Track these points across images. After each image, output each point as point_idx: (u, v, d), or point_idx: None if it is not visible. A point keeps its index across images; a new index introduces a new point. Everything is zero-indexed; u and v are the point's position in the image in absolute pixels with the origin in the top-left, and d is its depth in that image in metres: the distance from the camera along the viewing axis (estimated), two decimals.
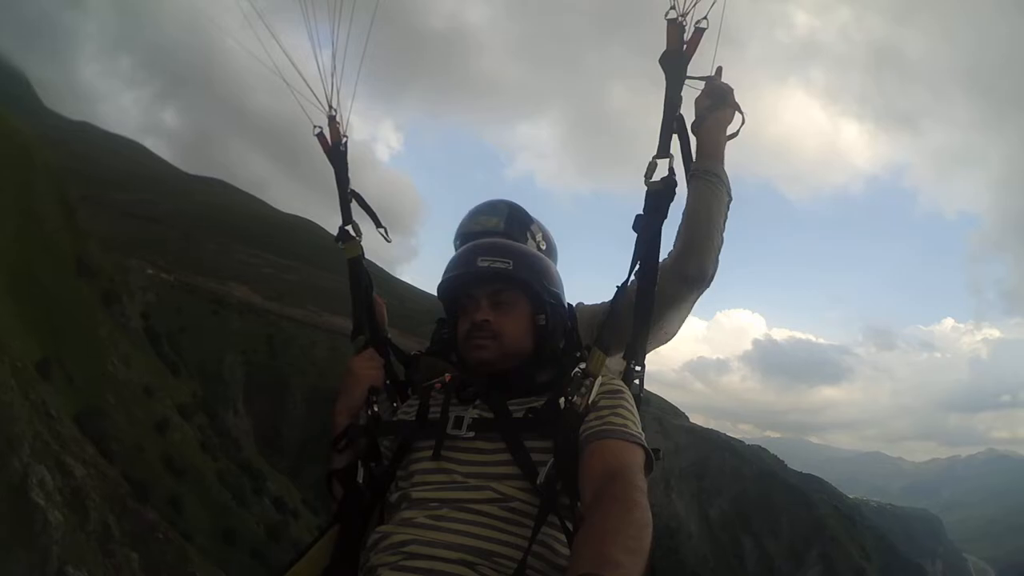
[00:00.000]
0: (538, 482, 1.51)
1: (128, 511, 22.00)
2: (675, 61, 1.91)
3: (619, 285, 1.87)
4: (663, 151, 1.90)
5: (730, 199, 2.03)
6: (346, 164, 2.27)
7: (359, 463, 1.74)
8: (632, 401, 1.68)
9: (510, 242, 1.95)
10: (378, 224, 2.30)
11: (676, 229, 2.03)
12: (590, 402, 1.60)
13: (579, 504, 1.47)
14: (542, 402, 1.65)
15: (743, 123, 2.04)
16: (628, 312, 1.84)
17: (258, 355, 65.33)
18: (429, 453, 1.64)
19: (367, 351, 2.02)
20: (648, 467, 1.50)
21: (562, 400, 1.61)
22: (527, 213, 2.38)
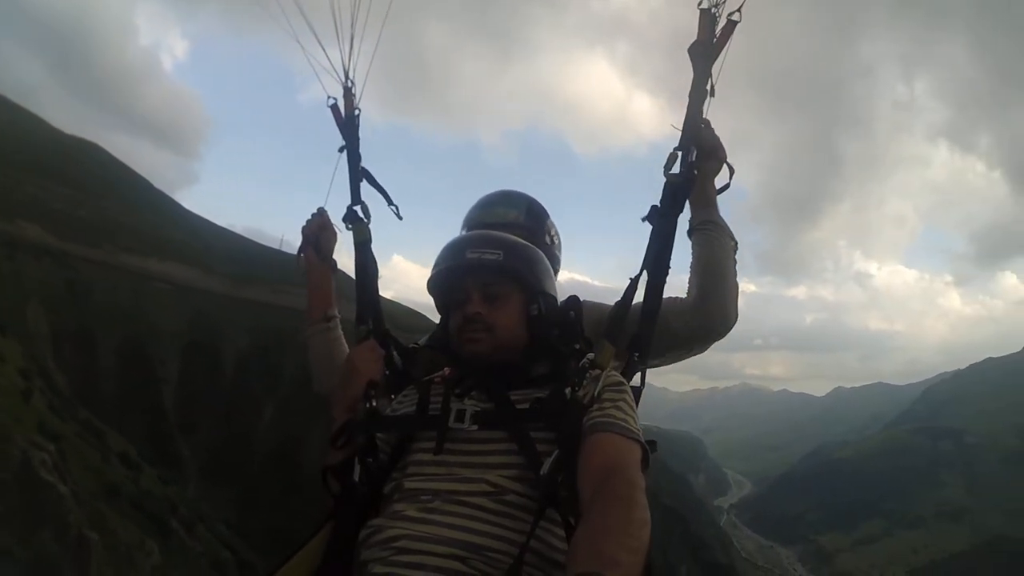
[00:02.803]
0: (541, 472, 1.46)
1: None
2: (704, 52, 1.87)
3: (632, 278, 1.85)
4: (685, 144, 1.90)
5: (735, 244, 2.00)
6: (358, 139, 2.23)
7: (356, 459, 1.67)
8: (632, 396, 1.65)
9: (500, 233, 1.90)
10: (389, 202, 2.24)
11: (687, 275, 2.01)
12: (595, 394, 1.58)
13: (569, 496, 1.44)
14: (546, 393, 1.61)
15: (732, 175, 2.03)
16: (636, 305, 1.84)
17: (62, 304, 61.66)
18: (431, 448, 1.60)
19: (368, 342, 1.99)
20: (645, 463, 1.48)
21: (568, 391, 1.58)
22: (543, 207, 2.33)
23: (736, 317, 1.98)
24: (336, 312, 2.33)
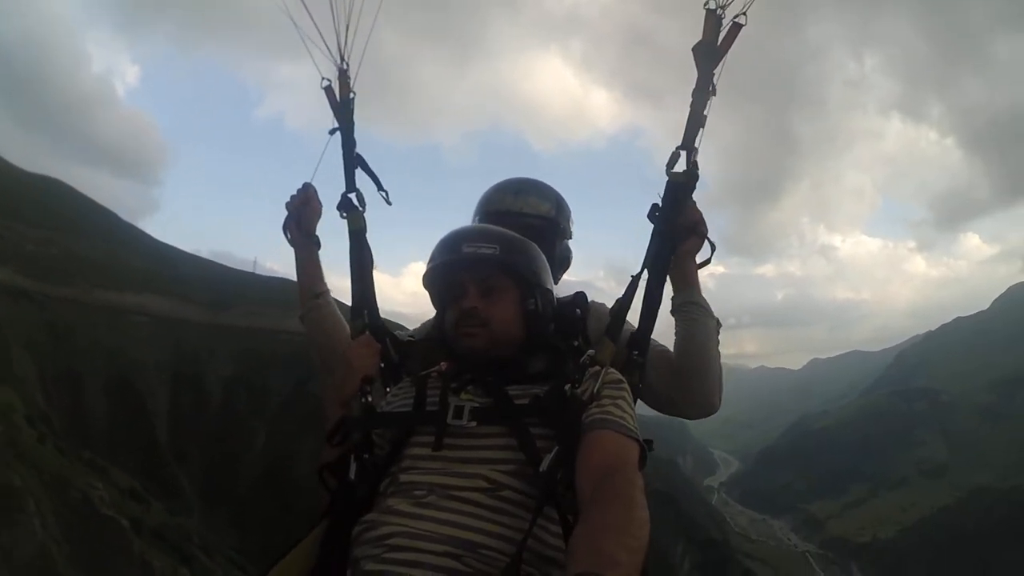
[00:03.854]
0: (541, 469, 1.44)
1: None
2: (708, 54, 1.85)
3: (633, 276, 1.85)
4: (688, 143, 1.87)
5: (718, 324, 1.97)
6: (353, 122, 2.17)
7: (352, 456, 1.65)
8: (631, 394, 1.66)
9: (496, 227, 1.88)
10: (380, 187, 2.20)
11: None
12: (595, 391, 1.57)
13: (569, 493, 1.43)
14: (545, 389, 1.60)
15: (713, 251, 2.00)
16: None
17: (43, 346, 61.36)
18: (429, 443, 1.58)
19: (363, 337, 1.96)
20: (642, 462, 1.48)
21: (567, 388, 1.57)
22: (566, 201, 2.30)
23: (720, 401, 1.99)
24: (325, 287, 2.28)
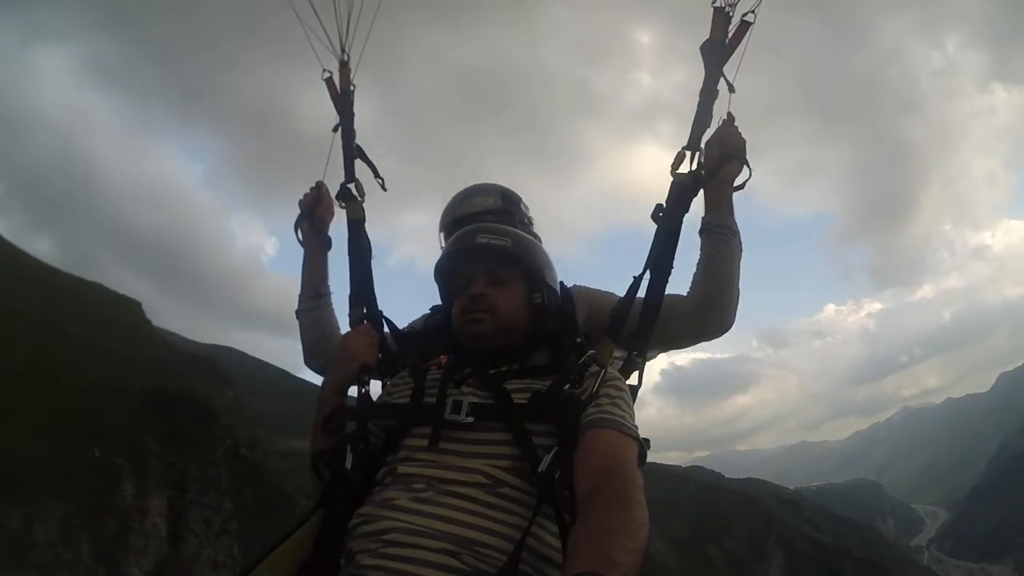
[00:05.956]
0: (540, 469, 1.43)
1: None
2: (716, 52, 1.85)
3: (635, 276, 1.84)
4: (694, 143, 1.87)
5: (741, 250, 1.95)
6: (353, 114, 2.18)
7: (347, 446, 1.63)
8: (630, 394, 1.66)
9: (506, 225, 1.94)
10: (376, 175, 2.23)
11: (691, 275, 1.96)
12: (595, 391, 1.57)
13: (568, 493, 1.41)
14: (542, 386, 1.60)
15: (750, 176, 1.97)
16: (637, 304, 1.82)
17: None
18: (426, 435, 1.56)
19: (363, 326, 1.97)
20: (641, 461, 1.47)
21: (567, 386, 1.57)
22: (515, 192, 2.32)
23: (733, 323, 1.96)
24: (328, 289, 2.29)
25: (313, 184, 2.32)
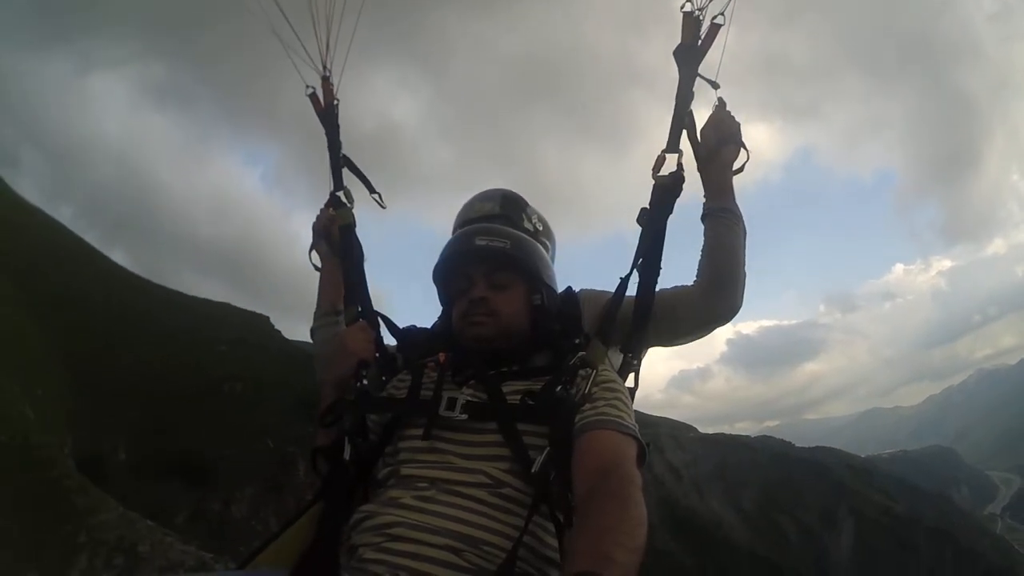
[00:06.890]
0: (533, 470, 1.44)
1: None
2: (689, 55, 1.87)
3: (622, 277, 1.85)
4: (672, 146, 1.89)
5: (745, 233, 1.95)
6: (338, 127, 2.22)
7: (346, 439, 1.65)
8: (627, 394, 1.65)
9: (506, 227, 1.92)
10: (371, 190, 2.23)
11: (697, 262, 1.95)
12: (587, 392, 1.57)
13: (570, 494, 1.41)
14: (539, 387, 1.60)
15: (747, 159, 1.99)
16: (629, 305, 1.83)
17: None
18: (420, 433, 1.59)
19: (360, 323, 1.98)
20: (641, 460, 1.46)
21: (559, 388, 1.57)
22: (521, 197, 2.31)
23: (741, 306, 1.94)
24: (343, 308, 2.24)
25: (322, 206, 2.32)
